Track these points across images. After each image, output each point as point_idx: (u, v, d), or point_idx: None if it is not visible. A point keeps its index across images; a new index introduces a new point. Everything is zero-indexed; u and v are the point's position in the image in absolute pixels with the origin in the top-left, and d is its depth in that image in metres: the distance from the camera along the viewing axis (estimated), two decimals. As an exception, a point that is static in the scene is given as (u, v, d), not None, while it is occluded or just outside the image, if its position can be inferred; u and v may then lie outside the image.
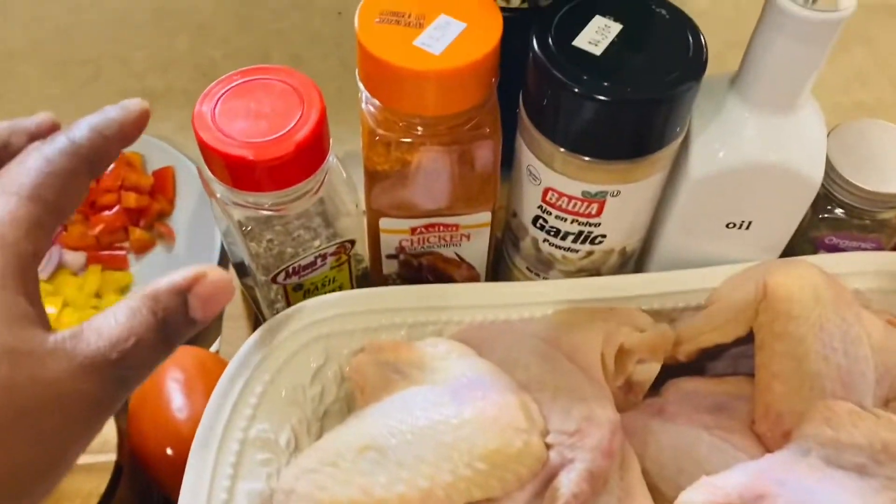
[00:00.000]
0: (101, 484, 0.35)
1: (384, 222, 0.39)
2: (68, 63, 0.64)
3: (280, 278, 0.39)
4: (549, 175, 0.37)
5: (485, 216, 0.39)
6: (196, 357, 0.41)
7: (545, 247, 0.41)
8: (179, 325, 0.23)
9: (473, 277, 0.43)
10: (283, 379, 0.36)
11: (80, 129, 0.25)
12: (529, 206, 0.40)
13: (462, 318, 0.39)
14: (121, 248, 0.51)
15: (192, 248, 0.51)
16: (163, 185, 0.53)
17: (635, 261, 0.44)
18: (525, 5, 0.41)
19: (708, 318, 0.38)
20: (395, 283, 0.44)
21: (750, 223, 0.39)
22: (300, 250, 0.39)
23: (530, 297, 0.39)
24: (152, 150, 0.55)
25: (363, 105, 0.36)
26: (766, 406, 0.35)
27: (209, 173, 0.36)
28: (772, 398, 0.35)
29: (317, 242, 0.39)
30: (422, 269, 0.43)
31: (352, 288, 0.43)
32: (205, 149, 0.34)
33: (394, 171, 0.37)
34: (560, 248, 0.41)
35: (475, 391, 0.33)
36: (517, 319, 0.39)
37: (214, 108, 0.35)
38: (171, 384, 0.39)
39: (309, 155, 0.35)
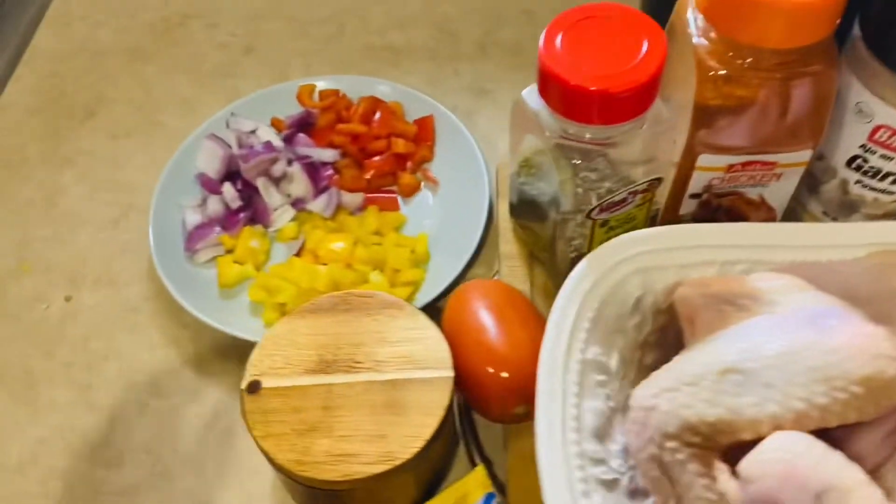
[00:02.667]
0: (444, 396, 0.37)
1: (703, 159, 0.39)
2: (309, 21, 0.67)
3: (594, 213, 0.40)
4: (884, 111, 0.36)
5: (805, 154, 0.39)
6: (502, 289, 0.43)
7: (856, 188, 0.40)
8: None
9: (770, 220, 0.43)
10: (608, 308, 0.38)
11: None
12: (848, 146, 0.39)
13: (773, 258, 0.39)
14: (390, 192, 0.54)
15: (460, 191, 0.53)
16: (425, 133, 0.55)
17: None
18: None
19: None
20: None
21: None
22: (617, 186, 0.39)
23: (845, 238, 0.39)
24: (410, 100, 0.57)
25: (694, 39, 0.37)
26: None
27: (545, 108, 0.37)
28: None
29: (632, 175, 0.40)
30: (719, 210, 0.43)
31: (646, 227, 0.44)
32: (551, 79, 0.35)
33: (725, 106, 0.37)
34: (875, 189, 0.40)
35: (831, 320, 0.33)
36: (827, 261, 0.39)
37: (561, 43, 0.36)
38: (483, 313, 0.41)
39: (651, 87, 0.36)
